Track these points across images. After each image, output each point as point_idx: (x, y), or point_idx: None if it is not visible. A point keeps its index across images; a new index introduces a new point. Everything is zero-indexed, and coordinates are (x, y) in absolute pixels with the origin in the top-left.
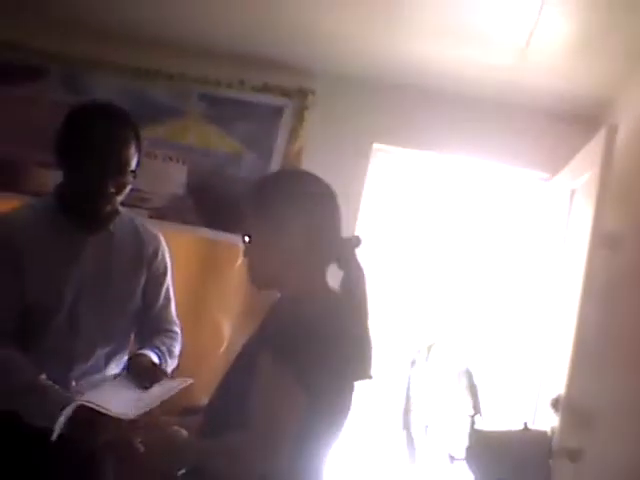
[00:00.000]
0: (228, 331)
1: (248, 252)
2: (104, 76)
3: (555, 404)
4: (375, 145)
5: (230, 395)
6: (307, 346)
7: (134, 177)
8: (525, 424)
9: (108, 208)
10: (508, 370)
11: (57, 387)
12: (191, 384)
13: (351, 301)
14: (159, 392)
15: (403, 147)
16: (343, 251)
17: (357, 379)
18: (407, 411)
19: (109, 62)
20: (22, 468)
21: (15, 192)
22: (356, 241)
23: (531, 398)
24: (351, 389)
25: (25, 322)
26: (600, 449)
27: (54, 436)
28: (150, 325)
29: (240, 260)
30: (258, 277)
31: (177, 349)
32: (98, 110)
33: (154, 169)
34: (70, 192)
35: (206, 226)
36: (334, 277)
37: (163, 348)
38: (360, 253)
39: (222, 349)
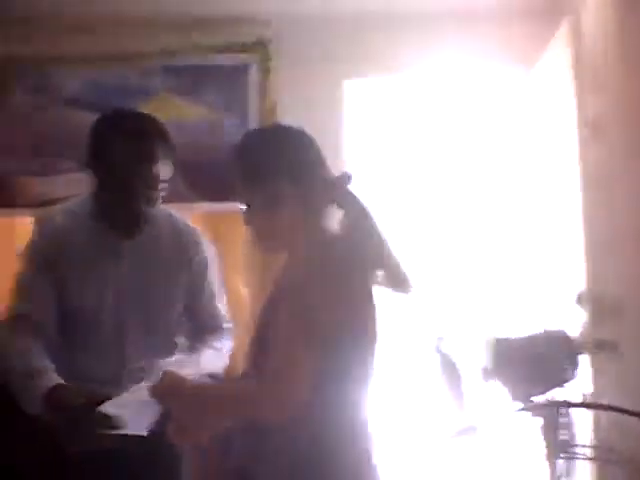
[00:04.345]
0: (248, 300)
1: (248, 220)
2: (69, 70)
3: (580, 299)
4: (346, 81)
5: (253, 355)
6: (320, 299)
7: (165, 186)
8: (545, 328)
9: (140, 216)
10: (523, 276)
11: (51, 374)
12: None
13: (358, 236)
14: None
15: (375, 76)
16: (337, 191)
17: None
18: (438, 333)
19: (69, 56)
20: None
21: (11, 206)
22: (347, 178)
23: (551, 301)
24: (373, 324)
25: (71, 326)
26: (635, 339)
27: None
28: (195, 323)
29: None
30: (264, 244)
31: (223, 345)
32: (123, 124)
33: None
34: (101, 202)
35: (202, 200)
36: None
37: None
38: (354, 188)
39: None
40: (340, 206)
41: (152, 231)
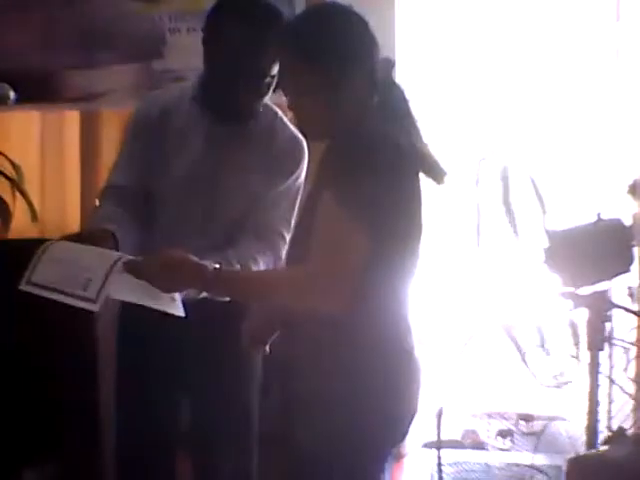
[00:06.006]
0: None
1: (294, 105)
2: None
3: (632, 190)
4: None
5: (300, 242)
6: (367, 183)
7: (272, 79)
8: (598, 215)
9: (242, 107)
10: (578, 162)
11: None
12: None
13: (397, 121)
14: None
15: None
16: (379, 75)
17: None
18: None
19: None
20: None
21: (53, 102)
22: (389, 64)
23: (604, 188)
24: (419, 212)
25: (151, 199)
26: None
27: None
28: (248, 225)
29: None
30: (308, 129)
31: (260, 259)
32: (239, 7)
33: (182, 44)
34: (207, 87)
35: None
36: None
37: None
38: (397, 75)
39: None
40: (379, 93)
41: (254, 128)
